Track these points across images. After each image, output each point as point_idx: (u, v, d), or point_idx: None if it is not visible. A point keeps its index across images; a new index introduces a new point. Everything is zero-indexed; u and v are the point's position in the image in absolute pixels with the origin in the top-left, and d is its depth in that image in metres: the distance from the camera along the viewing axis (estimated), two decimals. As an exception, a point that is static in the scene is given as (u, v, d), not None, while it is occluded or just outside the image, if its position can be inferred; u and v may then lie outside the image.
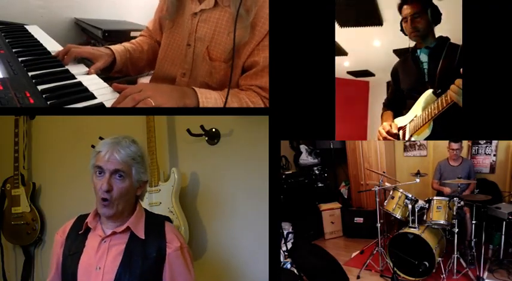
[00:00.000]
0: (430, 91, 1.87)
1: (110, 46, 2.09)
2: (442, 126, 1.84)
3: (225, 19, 1.77)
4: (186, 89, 1.67)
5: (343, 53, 2.19)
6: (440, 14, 1.84)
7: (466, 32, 1.84)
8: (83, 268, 1.40)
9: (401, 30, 1.97)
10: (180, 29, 1.95)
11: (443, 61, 1.85)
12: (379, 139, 2.02)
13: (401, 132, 1.98)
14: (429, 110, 1.82)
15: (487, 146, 3.47)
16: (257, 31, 1.70)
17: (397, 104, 2.11)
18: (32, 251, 2.51)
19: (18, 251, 2.54)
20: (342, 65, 2.12)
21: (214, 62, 1.81)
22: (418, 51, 1.97)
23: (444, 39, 1.90)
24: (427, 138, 1.88)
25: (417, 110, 1.89)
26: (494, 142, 3.43)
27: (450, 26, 1.88)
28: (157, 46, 2.18)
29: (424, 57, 1.94)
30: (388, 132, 1.98)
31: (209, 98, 1.65)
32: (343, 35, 2.10)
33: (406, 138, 1.93)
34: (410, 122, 1.94)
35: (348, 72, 2.18)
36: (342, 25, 2.12)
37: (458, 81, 1.71)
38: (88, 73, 1.88)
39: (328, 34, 1.91)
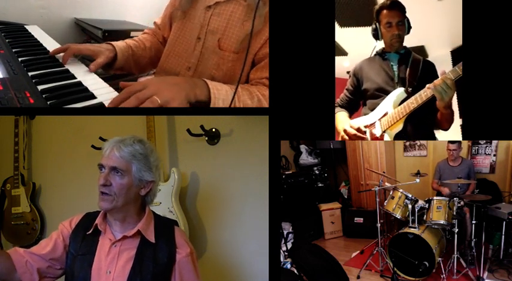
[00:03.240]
0: (401, 89, 1.94)
1: (111, 42, 2.06)
2: (412, 122, 1.93)
3: (238, 12, 1.75)
4: (197, 80, 1.62)
5: (343, 53, 2.19)
6: (411, 27, 1.97)
7: (466, 32, 1.85)
8: (93, 271, 1.39)
9: (375, 34, 2.02)
10: (191, 23, 1.93)
11: (410, 68, 1.97)
12: (343, 139, 2.04)
13: (368, 130, 2.00)
14: (405, 105, 1.89)
15: (487, 146, 3.47)
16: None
17: (355, 104, 2.14)
18: (32, 251, 2.51)
19: (18, 251, 2.54)
20: (342, 65, 2.12)
21: (224, 52, 1.78)
22: (388, 54, 2.03)
23: (409, 50, 2.03)
24: (398, 134, 1.94)
25: (387, 107, 1.95)
26: (494, 142, 3.43)
27: (415, 39, 2.07)
28: (160, 44, 2.17)
29: (394, 61, 2.02)
30: (358, 130, 1.98)
31: (220, 89, 1.60)
32: (343, 35, 2.10)
33: (378, 135, 1.97)
34: (380, 119, 1.97)
35: (348, 72, 2.18)
36: (342, 25, 2.12)
37: (439, 81, 1.77)
38: (89, 70, 1.86)
39: (328, 34, 1.91)
